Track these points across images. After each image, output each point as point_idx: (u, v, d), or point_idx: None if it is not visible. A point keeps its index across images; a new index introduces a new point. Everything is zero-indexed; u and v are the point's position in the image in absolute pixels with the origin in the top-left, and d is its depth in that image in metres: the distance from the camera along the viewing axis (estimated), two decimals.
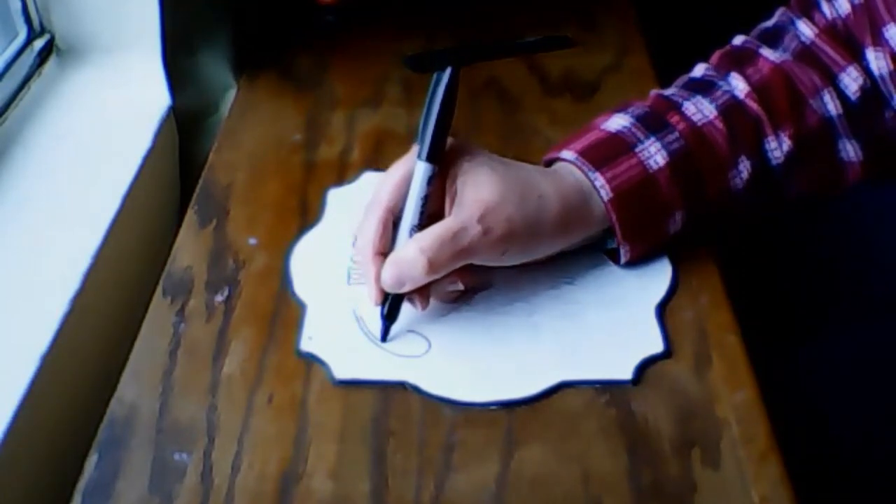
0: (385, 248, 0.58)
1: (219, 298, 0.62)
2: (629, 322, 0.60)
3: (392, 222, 0.58)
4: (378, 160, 0.75)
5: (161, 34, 0.76)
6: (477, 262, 0.58)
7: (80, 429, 0.57)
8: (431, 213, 0.58)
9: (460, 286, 0.60)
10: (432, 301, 0.60)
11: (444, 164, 0.58)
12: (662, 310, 0.61)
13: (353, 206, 0.69)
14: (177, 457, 0.53)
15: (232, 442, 0.53)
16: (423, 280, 0.57)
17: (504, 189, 0.58)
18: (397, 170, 0.59)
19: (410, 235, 0.58)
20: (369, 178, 0.73)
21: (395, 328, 0.59)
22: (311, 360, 0.58)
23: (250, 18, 0.89)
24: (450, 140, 0.59)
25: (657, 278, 0.63)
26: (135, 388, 0.57)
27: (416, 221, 0.58)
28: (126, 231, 0.70)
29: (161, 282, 0.64)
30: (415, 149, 0.59)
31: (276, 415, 0.55)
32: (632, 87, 0.83)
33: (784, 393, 0.64)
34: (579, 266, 0.63)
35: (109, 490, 0.51)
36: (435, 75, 0.58)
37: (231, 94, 0.85)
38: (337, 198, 0.71)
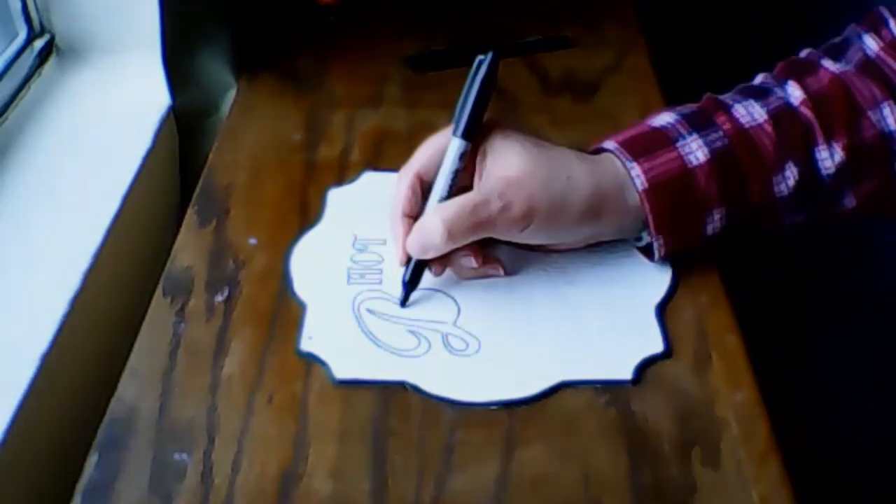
0: (412, 211, 0.60)
1: (219, 298, 0.62)
2: (629, 322, 0.60)
3: (421, 188, 0.60)
4: (378, 160, 0.75)
5: (161, 34, 0.76)
6: (497, 236, 0.59)
7: (80, 429, 0.56)
8: (461, 186, 0.59)
9: (473, 263, 0.60)
10: (431, 301, 0.60)
11: (477, 139, 0.59)
12: (662, 310, 0.61)
13: (353, 206, 0.69)
14: (177, 457, 0.53)
15: (232, 442, 0.53)
16: (442, 248, 0.58)
17: (531, 167, 0.58)
18: (433, 141, 0.61)
19: None
20: (369, 178, 0.73)
21: (395, 328, 0.59)
22: (311, 360, 0.58)
23: (250, 18, 0.89)
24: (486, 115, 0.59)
25: (657, 278, 0.63)
26: (135, 388, 0.57)
27: (444, 194, 0.59)
28: (126, 231, 0.70)
29: (161, 282, 0.64)
30: (451, 125, 0.60)
31: (276, 415, 0.55)
32: (632, 87, 0.83)
33: (784, 393, 0.64)
34: (579, 266, 0.63)
35: (109, 490, 0.51)
36: (477, 59, 0.59)
37: (231, 94, 0.84)
38: (337, 198, 0.71)
